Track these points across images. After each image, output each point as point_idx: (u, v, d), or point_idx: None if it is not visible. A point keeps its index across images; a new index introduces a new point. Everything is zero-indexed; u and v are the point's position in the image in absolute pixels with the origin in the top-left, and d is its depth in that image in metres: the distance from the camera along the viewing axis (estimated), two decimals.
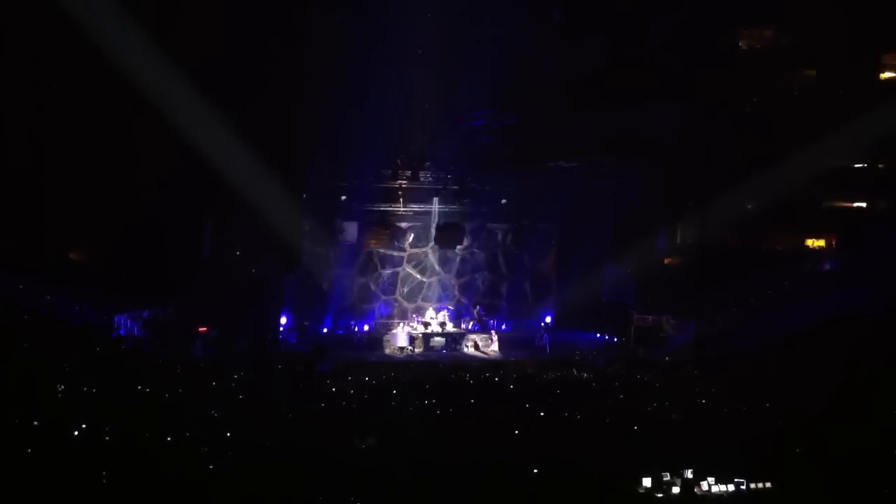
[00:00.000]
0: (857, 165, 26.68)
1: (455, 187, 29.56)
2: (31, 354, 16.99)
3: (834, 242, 26.96)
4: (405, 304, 30.68)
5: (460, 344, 28.63)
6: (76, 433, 11.46)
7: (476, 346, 28.35)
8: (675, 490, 10.70)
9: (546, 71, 26.12)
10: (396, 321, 29.57)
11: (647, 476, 10.75)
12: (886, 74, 25.78)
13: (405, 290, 30.86)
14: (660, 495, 10.64)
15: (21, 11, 21.36)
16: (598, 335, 29.30)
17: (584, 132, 26.99)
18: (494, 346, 28.24)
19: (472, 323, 30.24)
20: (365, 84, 25.18)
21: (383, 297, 30.64)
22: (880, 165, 26.53)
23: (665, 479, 10.78)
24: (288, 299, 28.52)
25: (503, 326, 30.63)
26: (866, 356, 17.47)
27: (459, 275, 31.25)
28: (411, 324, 29.06)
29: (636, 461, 11.13)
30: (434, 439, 12.53)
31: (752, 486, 10.73)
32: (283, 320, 28.15)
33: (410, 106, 26.12)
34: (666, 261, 29.01)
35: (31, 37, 21.87)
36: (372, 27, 24.72)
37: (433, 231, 30.07)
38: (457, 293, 31.17)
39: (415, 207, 30.29)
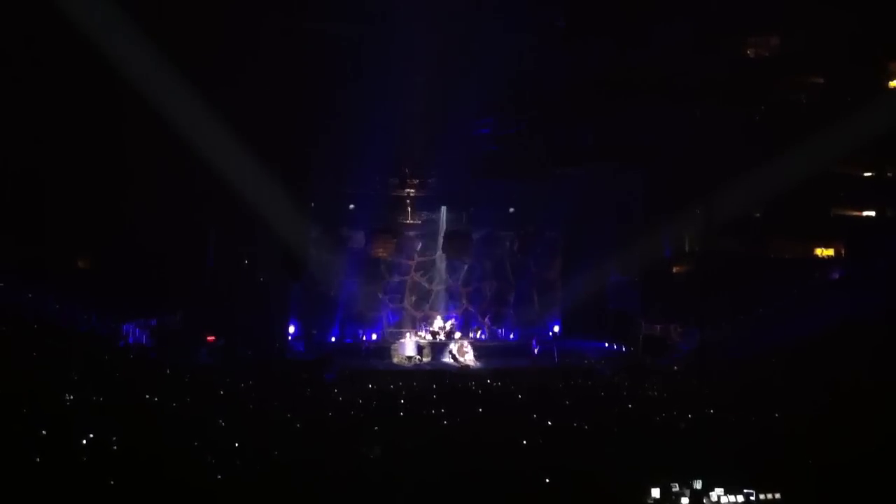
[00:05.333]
0: (865, 174, 26.62)
1: (462, 196, 29.58)
2: (39, 363, 16.99)
3: (842, 251, 26.87)
4: (413, 312, 30.66)
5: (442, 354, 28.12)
6: (83, 442, 11.45)
7: (453, 357, 27.83)
8: (685, 501, 10.62)
9: (549, 78, 26.15)
10: (404, 330, 29.51)
11: (655, 486, 10.69)
12: (895, 83, 25.72)
13: (413, 298, 30.85)
14: None
15: (22, 21, 21.45)
16: (606, 344, 29.23)
17: (588, 139, 27.03)
18: (470, 356, 27.83)
19: (479, 332, 30.21)
20: (371, 93, 25.23)
21: (391, 306, 30.64)
22: (889, 174, 26.47)
23: (674, 489, 10.71)
24: (295, 308, 28.59)
25: (511, 335, 30.60)
26: (874, 365, 17.37)
27: (467, 283, 31.22)
28: (419, 332, 29.00)
29: (644, 471, 11.07)
30: (441, 448, 12.48)
31: (762, 496, 10.67)
32: (291, 329, 28.18)
33: (416, 115, 26.16)
34: (674, 269, 28.95)
35: (33, 44, 22.00)
36: (377, 36, 24.78)
37: (441, 239, 30.07)
38: (464, 301, 31.14)
39: (422, 216, 30.32)
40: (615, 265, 29.35)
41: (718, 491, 10.67)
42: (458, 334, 29.11)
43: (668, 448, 12.77)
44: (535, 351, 28.12)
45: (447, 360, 27.77)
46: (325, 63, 25.17)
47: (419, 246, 30.91)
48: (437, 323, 29.38)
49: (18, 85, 22.14)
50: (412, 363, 27.19)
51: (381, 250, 29.77)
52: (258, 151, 24.19)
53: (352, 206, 29.24)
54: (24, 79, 22.19)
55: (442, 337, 28.57)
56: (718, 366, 22.36)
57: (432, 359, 27.67)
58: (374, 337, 29.46)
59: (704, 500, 10.65)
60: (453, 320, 29.69)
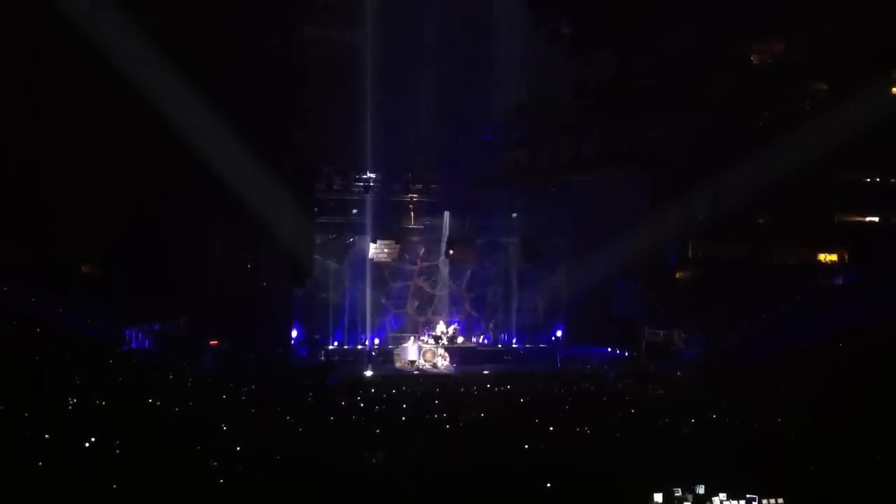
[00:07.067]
0: (868, 179, 26.60)
1: (465, 201, 29.61)
2: (43, 367, 17.01)
3: (846, 257, 26.82)
4: (416, 317, 30.64)
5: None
6: (86, 446, 11.46)
7: (433, 364, 27.36)
8: None
9: (555, 85, 26.20)
10: (407, 335, 29.47)
11: (658, 492, 10.66)
12: None
13: (416, 303, 30.84)
14: None
15: (26, 23, 21.51)
16: (609, 350, 29.18)
17: (593, 145, 27.04)
18: (447, 361, 27.54)
19: (482, 337, 30.16)
20: (376, 99, 25.30)
21: (394, 311, 30.62)
22: (892, 179, 26.46)
23: (676, 494, 10.68)
24: (298, 312, 28.57)
25: (514, 340, 30.57)
26: (879, 371, 17.33)
27: (470, 288, 31.19)
28: (422, 337, 28.95)
29: (647, 476, 11.05)
30: (443, 453, 12.48)
31: (765, 501, 10.65)
32: (294, 333, 28.18)
33: (422, 120, 26.22)
34: (678, 275, 28.90)
35: (38, 46, 22.06)
36: (383, 42, 24.87)
37: (444, 245, 30.06)
38: (468, 307, 31.11)
39: (426, 221, 30.34)
40: (619, 271, 29.30)
41: (721, 496, 10.64)
42: (460, 339, 29.08)
43: (671, 453, 12.76)
44: (521, 350, 28.36)
45: (419, 363, 27.24)
46: (330, 69, 25.26)
47: (422, 251, 30.90)
48: (440, 328, 29.34)
49: (23, 87, 22.20)
50: (415, 368, 27.13)
51: (384, 255, 29.78)
52: (263, 156, 24.23)
53: (355, 211, 29.29)
54: (28, 81, 22.24)
55: (445, 342, 28.52)
56: (722, 371, 22.32)
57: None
58: (376, 342, 29.45)
59: None
60: (456, 325, 29.66)
